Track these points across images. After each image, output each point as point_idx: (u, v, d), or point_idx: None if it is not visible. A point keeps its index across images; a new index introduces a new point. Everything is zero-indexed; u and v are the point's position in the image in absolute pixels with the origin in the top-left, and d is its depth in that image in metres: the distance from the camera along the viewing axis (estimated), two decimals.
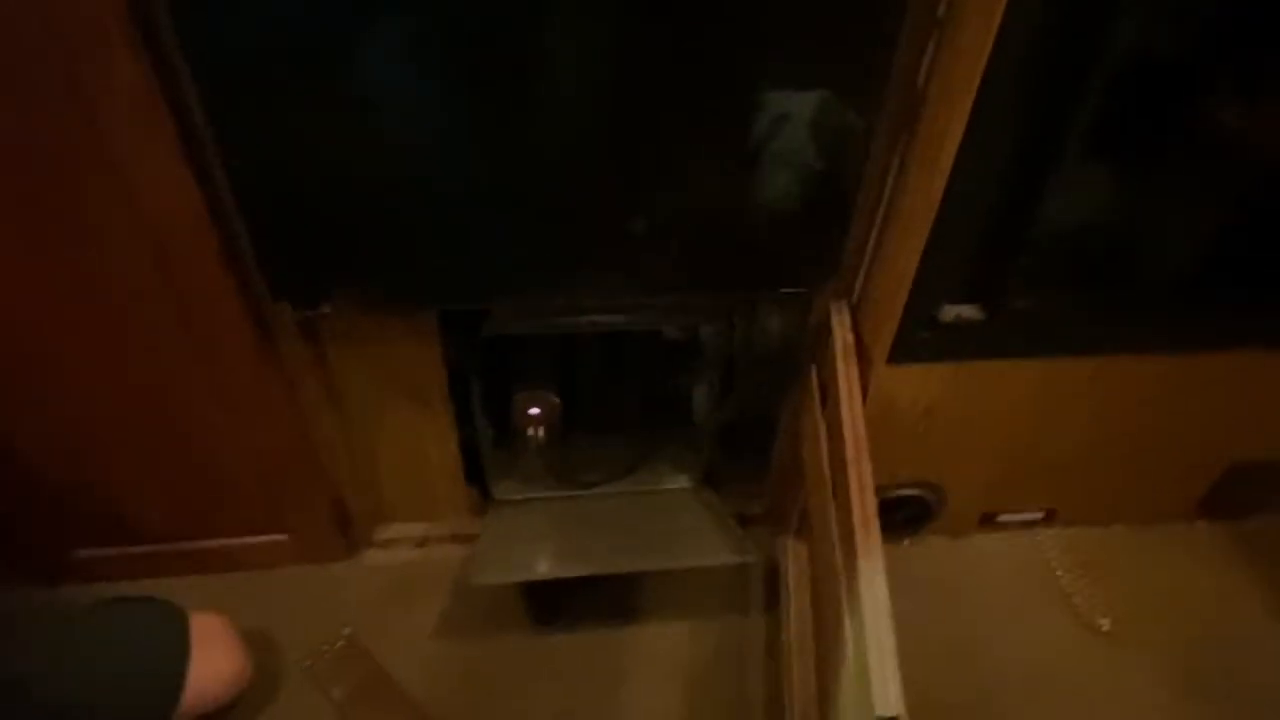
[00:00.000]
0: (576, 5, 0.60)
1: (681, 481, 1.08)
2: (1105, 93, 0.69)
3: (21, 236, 0.66)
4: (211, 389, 0.79)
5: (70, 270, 0.69)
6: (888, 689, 0.54)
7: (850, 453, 0.69)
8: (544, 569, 0.90)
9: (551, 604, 0.97)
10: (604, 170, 0.70)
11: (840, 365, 0.76)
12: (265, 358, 0.78)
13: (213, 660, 0.79)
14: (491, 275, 0.77)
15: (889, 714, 0.53)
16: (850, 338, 0.79)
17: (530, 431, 1.00)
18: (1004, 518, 1.06)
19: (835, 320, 0.80)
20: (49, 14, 0.55)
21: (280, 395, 0.82)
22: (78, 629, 0.76)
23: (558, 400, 1.01)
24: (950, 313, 0.80)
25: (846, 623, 0.62)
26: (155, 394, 0.79)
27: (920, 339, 0.80)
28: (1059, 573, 1.03)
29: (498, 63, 0.62)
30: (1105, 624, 0.97)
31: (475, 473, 1.02)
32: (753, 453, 1.05)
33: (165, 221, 0.66)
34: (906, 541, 1.06)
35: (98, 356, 0.75)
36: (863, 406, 0.75)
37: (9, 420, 0.79)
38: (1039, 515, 1.06)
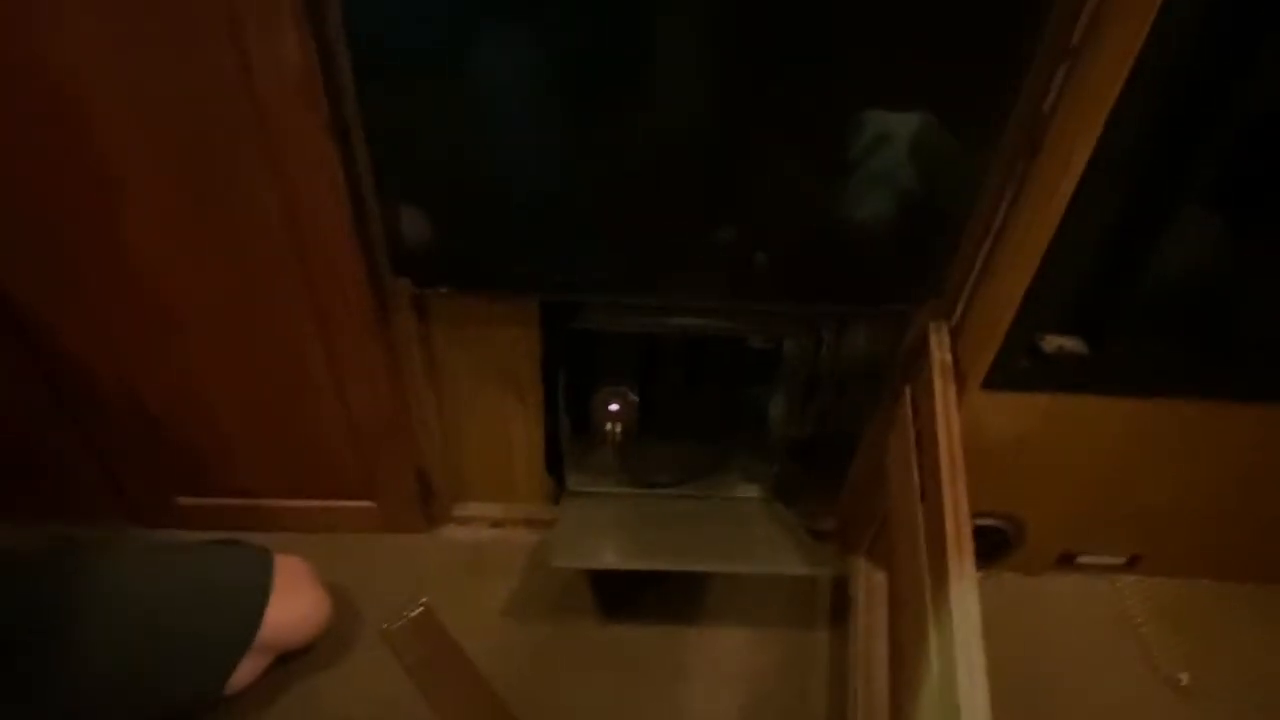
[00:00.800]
0: (690, 17, 0.62)
1: (752, 491, 1.09)
2: (1234, 143, 0.68)
3: (174, 188, 0.71)
4: (325, 354, 0.83)
5: (213, 231, 0.73)
6: (976, 709, 0.54)
7: (945, 474, 0.68)
8: (620, 559, 0.92)
9: (618, 596, 0.99)
10: (701, 176, 0.72)
11: (938, 386, 0.76)
12: (378, 329, 0.81)
13: (294, 598, 0.83)
14: (591, 270, 0.79)
15: None
16: (949, 358, 0.79)
17: (608, 427, 1.02)
18: (1084, 559, 1.03)
19: (934, 340, 0.80)
20: None
21: (385, 366, 0.85)
22: (163, 556, 0.82)
23: (636, 399, 1.03)
24: (1053, 343, 0.79)
25: (932, 644, 0.62)
26: (272, 354, 0.83)
27: (1019, 367, 0.79)
28: (1139, 621, 1.00)
29: (614, 73, 0.65)
30: (1184, 679, 0.94)
31: (554, 462, 1.04)
32: (828, 468, 1.05)
33: (307, 194, 0.70)
34: (979, 574, 1.04)
35: (224, 313, 0.80)
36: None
37: (132, 366, 0.85)
38: (1121, 560, 1.04)
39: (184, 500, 1.00)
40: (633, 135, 0.69)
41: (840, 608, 0.98)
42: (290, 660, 0.87)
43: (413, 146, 0.69)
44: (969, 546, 0.63)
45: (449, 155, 0.70)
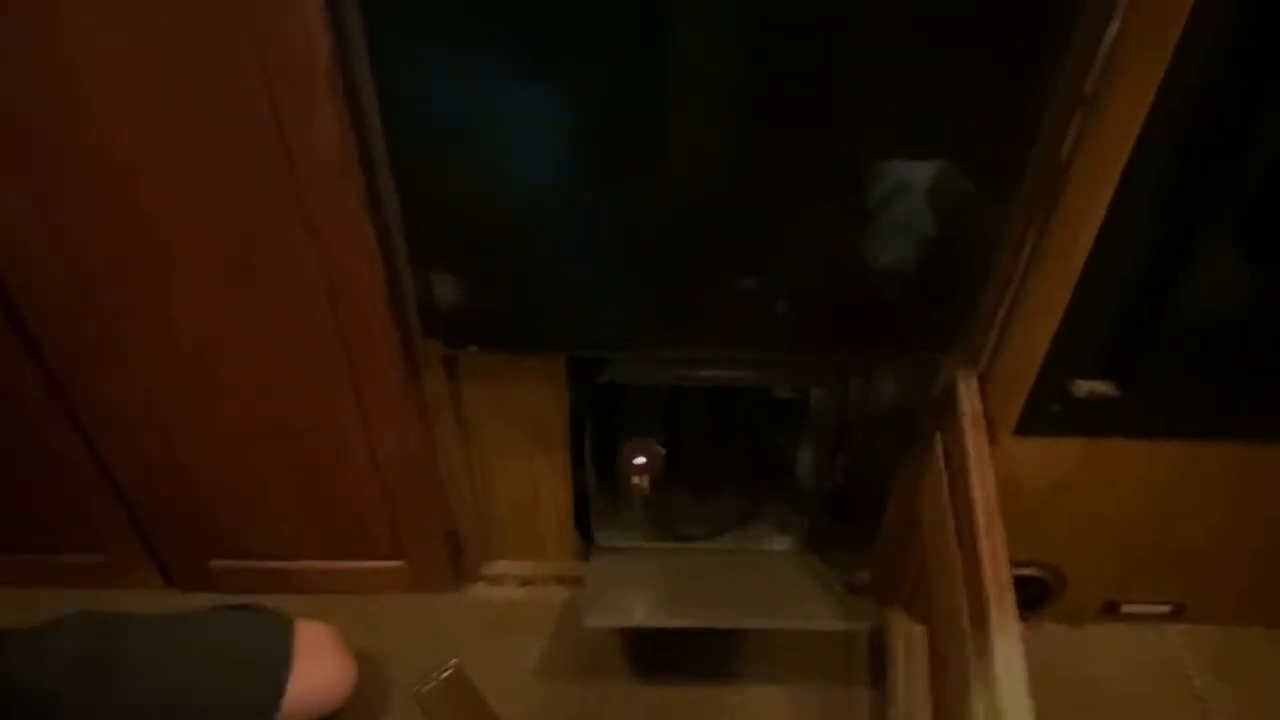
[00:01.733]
0: (710, 74, 0.64)
1: (784, 543, 1.07)
2: (1253, 179, 0.68)
3: (220, 264, 0.74)
4: (359, 414, 0.84)
5: (254, 301, 0.76)
6: None
7: (981, 523, 0.68)
8: (654, 616, 0.91)
9: (651, 653, 0.97)
10: (725, 230, 0.73)
11: (969, 434, 0.75)
12: (409, 389, 0.83)
13: (318, 666, 0.82)
14: (616, 325, 0.81)
15: None
16: (978, 406, 0.78)
17: (634, 480, 1.02)
18: (1129, 609, 1.00)
19: (963, 388, 0.80)
20: (265, 64, 0.62)
21: (416, 425, 0.87)
22: (182, 626, 0.81)
23: (663, 451, 1.03)
24: (1084, 387, 0.78)
25: (976, 699, 0.61)
26: (308, 416, 0.85)
27: (1050, 412, 0.79)
28: (1189, 672, 0.97)
29: (637, 133, 0.67)
30: None
31: (581, 518, 1.04)
32: (860, 519, 1.04)
33: (342, 263, 0.73)
34: (1021, 626, 1.01)
35: (263, 378, 0.82)
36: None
37: (174, 432, 0.87)
38: (1167, 609, 1.00)
39: (217, 564, 1.01)
40: (656, 191, 0.71)
41: (878, 662, 0.96)
42: None
43: (443, 213, 0.71)
44: (1010, 598, 0.62)
45: (477, 220, 0.72)
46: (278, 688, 0.79)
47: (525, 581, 1.06)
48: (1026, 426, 0.80)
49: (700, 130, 0.68)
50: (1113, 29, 0.60)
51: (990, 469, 0.72)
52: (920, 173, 0.69)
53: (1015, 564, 0.93)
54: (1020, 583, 0.96)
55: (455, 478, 0.95)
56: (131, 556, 0.97)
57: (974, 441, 0.75)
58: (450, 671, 0.93)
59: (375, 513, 0.94)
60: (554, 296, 0.78)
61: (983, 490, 0.70)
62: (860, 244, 0.73)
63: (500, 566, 1.06)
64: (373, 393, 0.82)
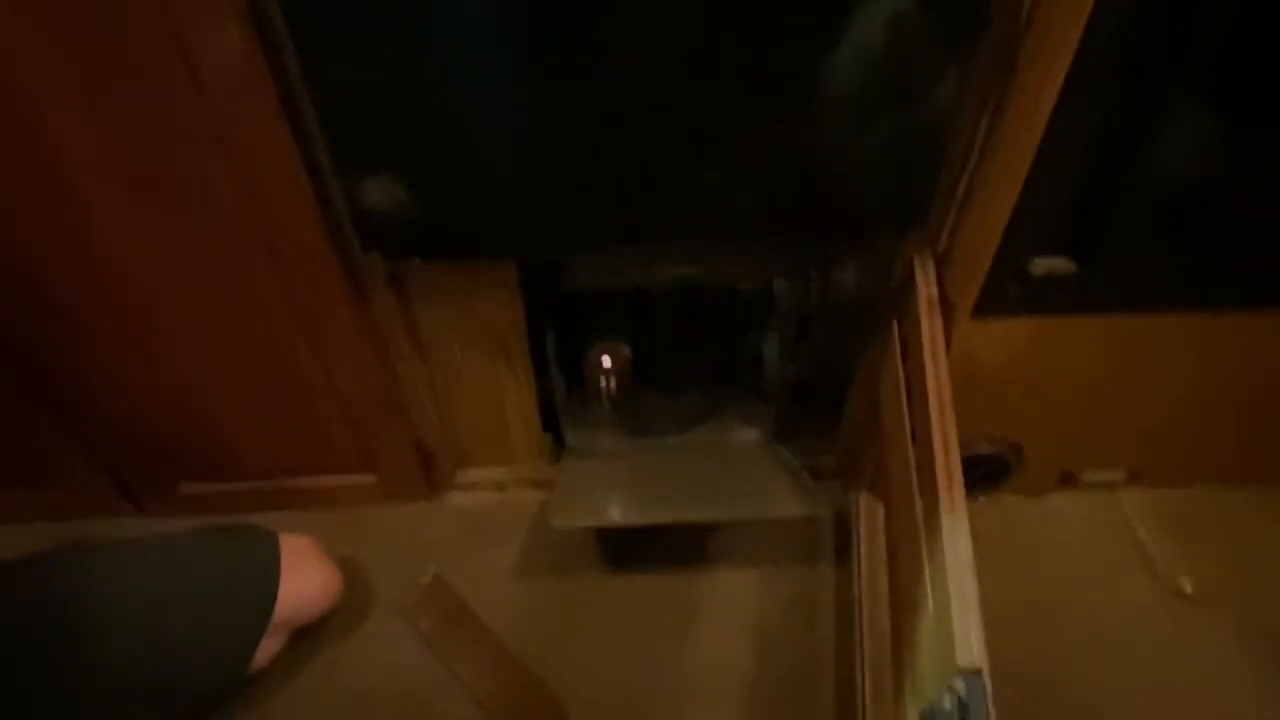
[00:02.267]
0: None
1: (751, 435, 1.09)
2: (1215, 41, 0.64)
3: (135, 195, 0.70)
4: (306, 337, 0.82)
5: (178, 227, 0.72)
6: (970, 640, 0.54)
7: (934, 407, 0.68)
8: (620, 515, 0.93)
9: (624, 548, 1.00)
10: (678, 120, 0.69)
11: (924, 318, 0.75)
12: (356, 308, 0.81)
13: (304, 574, 0.84)
14: (569, 227, 0.78)
15: (972, 665, 0.53)
16: (934, 290, 0.77)
17: (602, 382, 1.02)
18: (1085, 477, 1.03)
19: (919, 272, 0.78)
20: None
21: (369, 343, 0.85)
22: (172, 549, 0.82)
23: (629, 352, 1.02)
24: (1041, 265, 0.77)
25: (927, 576, 0.63)
26: (255, 341, 0.83)
27: (1008, 292, 0.78)
28: (1141, 534, 1.01)
29: (575, 16, 0.62)
30: (1188, 587, 0.95)
31: (551, 421, 1.05)
32: (825, 407, 1.05)
33: (265, 180, 0.69)
34: (981, 499, 1.05)
35: (202, 307, 0.79)
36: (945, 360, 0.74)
37: (116, 368, 0.85)
38: (1122, 475, 1.04)
39: (187, 488, 1.01)
40: (600, 79, 0.66)
41: (844, 543, 0.99)
42: (306, 635, 0.89)
43: (366, 116, 0.67)
44: (959, 481, 0.63)
45: (406, 122, 0.67)
46: (269, 601, 0.81)
47: (499, 487, 1.08)
48: (984, 308, 0.79)
49: (644, 10, 0.63)
50: None
51: (944, 356, 0.72)
52: (874, 38, 0.65)
53: (976, 441, 0.96)
54: (981, 460, 0.99)
55: (417, 395, 0.94)
56: (95, 487, 0.97)
57: (929, 327, 0.74)
58: (430, 577, 0.97)
59: (339, 431, 0.94)
60: (498, 198, 0.74)
61: (936, 378, 0.70)
62: (816, 125, 0.70)
63: (473, 474, 1.08)
64: (318, 316, 0.80)
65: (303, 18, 0.60)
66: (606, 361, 1.02)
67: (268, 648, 0.83)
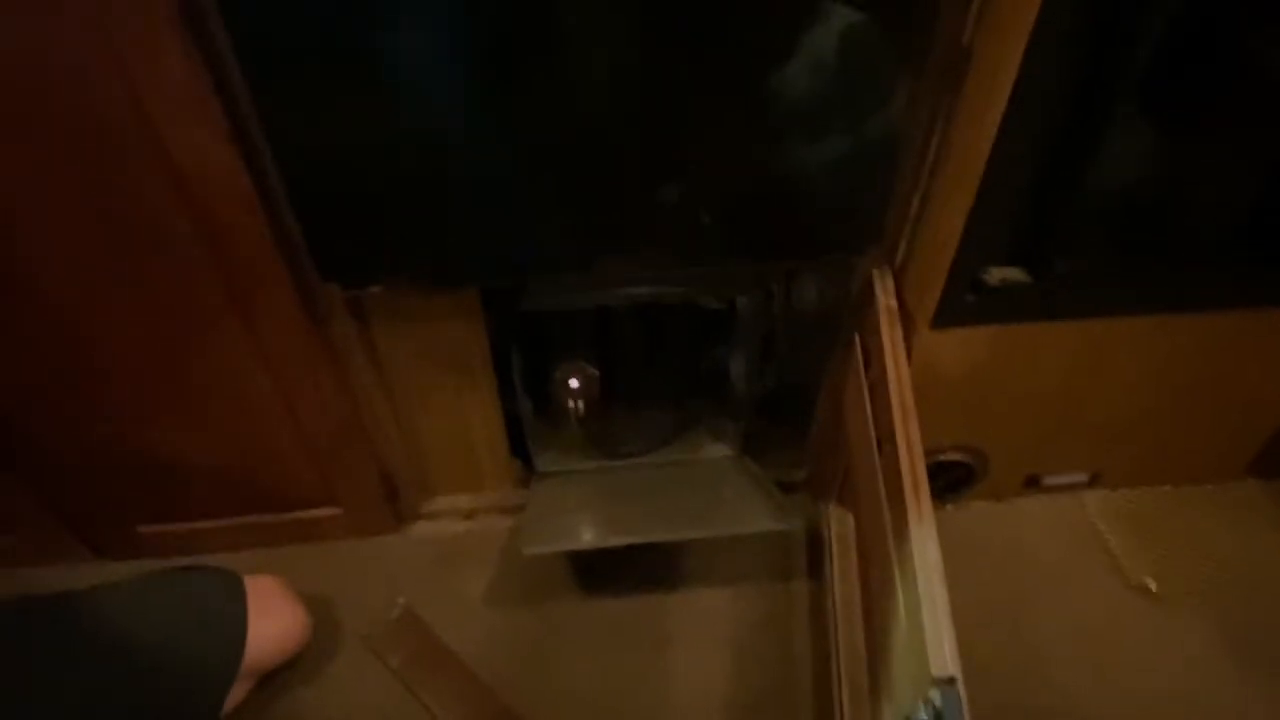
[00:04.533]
0: None
1: (721, 450, 1.09)
2: (1157, 46, 0.67)
3: (81, 229, 0.68)
4: (264, 369, 0.80)
5: (124, 257, 0.70)
6: (944, 651, 0.54)
7: (897, 417, 0.69)
8: (591, 538, 0.92)
9: (597, 570, 0.99)
10: (631, 137, 0.70)
11: (884, 330, 0.76)
12: (315, 337, 0.79)
13: (271, 618, 0.82)
14: (528, 252, 0.77)
15: (945, 675, 0.53)
16: (893, 303, 0.79)
17: (569, 404, 1.02)
18: (1048, 480, 1.05)
19: (878, 285, 0.80)
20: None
21: (330, 373, 0.83)
22: (135, 597, 0.79)
23: (596, 373, 1.02)
24: (996, 275, 0.79)
25: (898, 587, 0.63)
26: (210, 376, 0.81)
27: (965, 303, 0.79)
28: (1105, 534, 1.03)
29: (523, 35, 0.62)
30: (1152, 585, 0.97)
31: (519, 445, 1.04)
32: (792, 420, 1.06)
33: (216, 208, 0.67)
34: (949, 506, 1.06)
35: (153, 341, 0.77)
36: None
37: (77, 403, 0.82)
38: (1084, 477, 1.06)
39: (146, 529, 0.98)
40: (553, 102, 0.66)
41: (817, 556, 0.99)
42: (273, 676, 0.86)
43: (319, 147, 0.66)
44: (925, 490, 0.63)
45: (359, 150, 0.66)
46: (237, 646, 0.78)
47: (467, 515, 1.06)
48: (943, 319, 0.80)
49: (595, 28, 0.63)
50: None
51: (906, 366, 0.73)
52: (826, 51, 0.66)
53: (940, 450, 0.98)
54: (946, 467, 1.00)
55: (380, 422, 0.92)
56: (48, 531, 0.94)
57: (890, 338, 0.75)
58: (398, 611, 0.95)
59: (300, 464, 0.92)
60: (455, 227, 0.73)
61: (899, 388, 0.71)
62: (770, 142, 0.71)
63: (440, 503, 1.06)
64: (275, 346, 0.78)
65: (250, 44, 0.59)
66: (574, 382, 1.01)
67: (234, 694, 0.80)
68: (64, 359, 0.77)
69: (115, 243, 0.68)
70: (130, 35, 0.57)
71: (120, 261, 0.70)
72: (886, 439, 0.71)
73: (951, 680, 0.53)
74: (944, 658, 0.54)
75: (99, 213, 0.66)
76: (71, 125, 0.61)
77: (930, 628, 0.56)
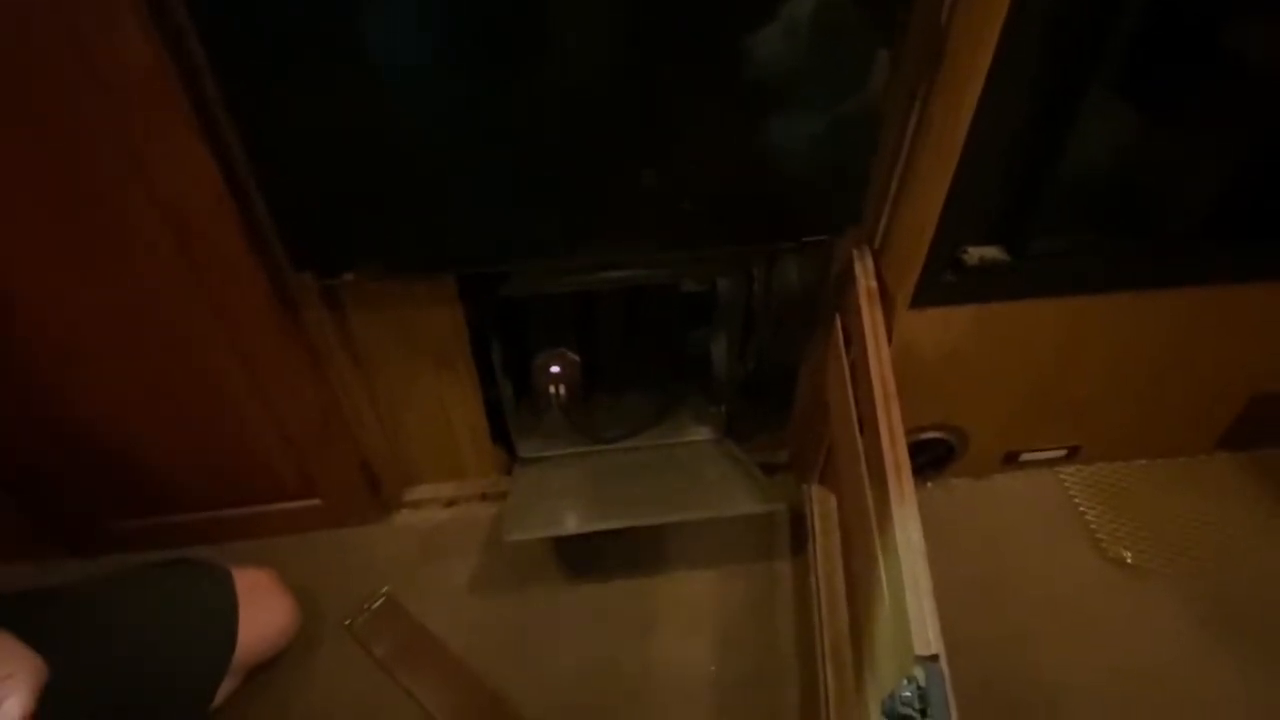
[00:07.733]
0: None
1: (704, 433, 1.09)
2: (1133, 27, 0.67)
3: (45, 219, 0.66)
4: (239, 361, 0.79)
5: (94, 251, 0.69)
6: (926, 629, 0.55)
7: (879, 397, 0.69)
8: (574, 523, 0.92)
9: (582, 555, 0.99)
10: (610, 120, 0.69)
11: (865, 311, 0.76)
12: (290, 328, 0.78)
13: (260, 611, 0.82)
14: (506, 237, 0.76)
15: (929, 653, 0.54)
16: (873, 284, 0.79)
17: (551, 390, 1.01)
18: (1027, 456, 1.06)
19: (858, 266, 0.79)
20: None
21: (306, 363, 0.82)
22: (124, 591, 0.78)
23: (577, 358, 1.01)
24: (974, 255, 0.79)
25: (881, 565, 0.64)
26: (184, 368, 0.79)
27: (944, 282, 0.79)
28: (1082, 508, 1.05)
29: (501, 22, 0.61)
30: (1129, 557, 0.99)
31: (500, 432, 1.03)
32: (774, 402, 1.06)
33: (184, 199, 0.66)
34: (929, 484, 1.07)
35: (126, 335, 0.75)
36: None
37: (45, 399, 0.80)
38: (1062, 453, 1.07)
39: (121, 524, 0.96)
40: (528, 88, 0.65)
41: (800, 537, 1.00)
42: (260, 668, 0.85)
43: (288, 133, 0.64)
44: (907, 468, 0.64)
45: (328, 138, 0.65)
46: (229, 640, 0.78)
47: (449, 503, 1.05)
48: (922, 299, 0.81)
49: (574, 11, 0.61)
50: None
51: (886, 347, 0.73)
52: (797, 40, 0.65)
53: (920, 429, 0.98)
54: (926, 445, 1.01)
55: (359, 412, 0.91)
56: (20, 530, 0.92)
57: (870, 319, 0.75)
58: (381, 600, 0.94)
59: (280, 456, 0.91)
60: (430, 213, 0.72)
61: (879, 368, 0.71)
62: (749, 123, 0.70)
63: (422, 491, 1.05)
64: (249, 338, 0.77)
65: (214, 27, 0.58)
66: (555, 368, 1.00)
67: (224, 688, 0.79)
68: (30, 353, 0.75)
69: (80, 233, 0.67)
70: (94, 19, 0.55)
71: (86, 253, 0.68)
72: (868, 419, 0.71)
73: (935, 658, 0.53)
74: (927, 637, 0.54)
75: (63, 203, 0.65)
76: (34, 112, 0.59)
77: (913, 606, 0.56)
